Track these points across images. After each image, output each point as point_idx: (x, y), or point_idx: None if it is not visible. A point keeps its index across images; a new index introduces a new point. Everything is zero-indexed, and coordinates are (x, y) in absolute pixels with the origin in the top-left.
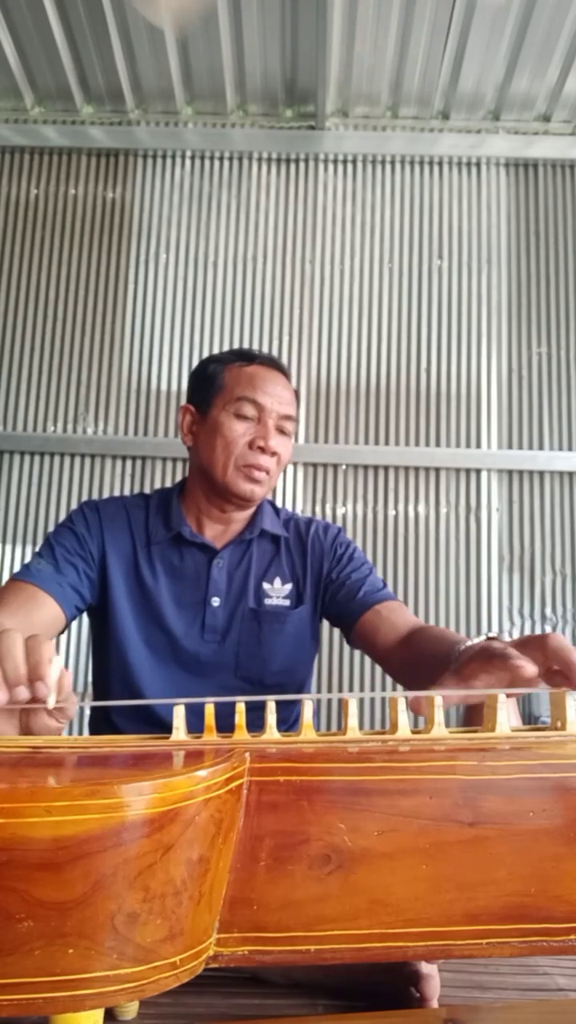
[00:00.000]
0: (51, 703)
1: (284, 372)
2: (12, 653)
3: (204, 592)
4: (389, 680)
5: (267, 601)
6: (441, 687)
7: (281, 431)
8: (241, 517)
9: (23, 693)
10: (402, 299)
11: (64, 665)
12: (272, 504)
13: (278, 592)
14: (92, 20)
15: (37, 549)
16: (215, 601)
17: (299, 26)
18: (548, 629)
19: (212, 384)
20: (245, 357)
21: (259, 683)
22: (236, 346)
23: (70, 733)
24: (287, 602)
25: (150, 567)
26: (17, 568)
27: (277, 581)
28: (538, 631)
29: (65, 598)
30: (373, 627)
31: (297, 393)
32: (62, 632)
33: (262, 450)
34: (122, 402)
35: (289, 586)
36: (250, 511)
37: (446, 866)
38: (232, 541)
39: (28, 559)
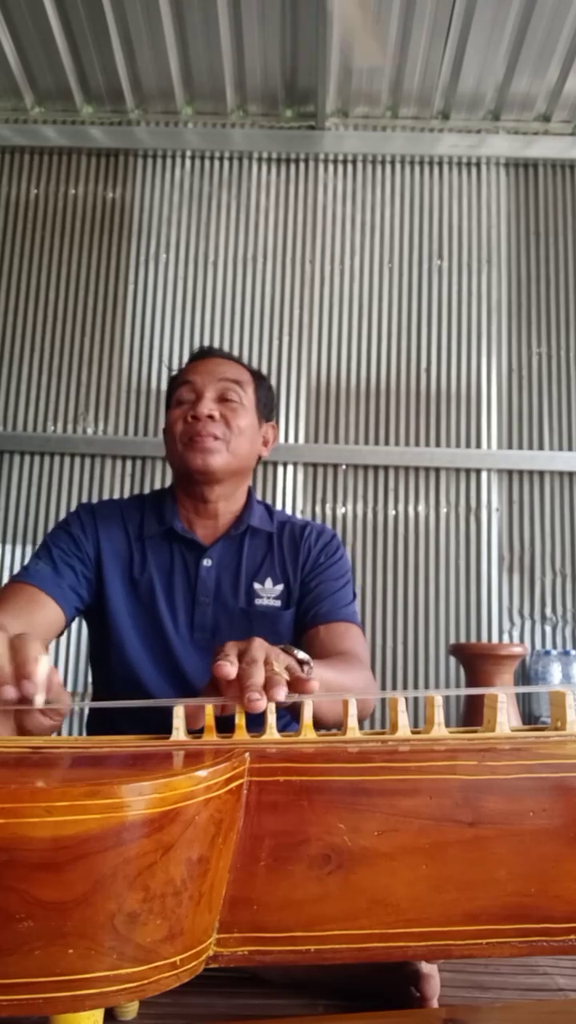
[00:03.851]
0: (39, 702)
1: (222, 356)
2: None
3: (193, 591)
4: (389, 680)
5: (257, 602)
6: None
7: (225, 398)
8: (226, 510)
9: (9, 692)
10: (402, 299)
11: (53, 664)
12: (265, 505)
13: (269, 593)
14: (92, 20)
15: (34, 551)
16: (204, 600)
17: (299, 26)
18: (548, 629)
19: (168, 401)
20: (189, 361)
21: None
22: (236, 345)
23: (70, 733)
24: (278, 603)
25: (144, 566)
26: (17, 568)
27: (268, 582)
28: (538, 631)
29: (65, 599)
30: (309, 644)
31: (251, 369)
32: (61, 633)
33: (196, 418)
34: (122, 402)
35: (280, 587)
36: (237, 506)
37: (446, 866)
38: (221, 538)
39: (27, 560)
